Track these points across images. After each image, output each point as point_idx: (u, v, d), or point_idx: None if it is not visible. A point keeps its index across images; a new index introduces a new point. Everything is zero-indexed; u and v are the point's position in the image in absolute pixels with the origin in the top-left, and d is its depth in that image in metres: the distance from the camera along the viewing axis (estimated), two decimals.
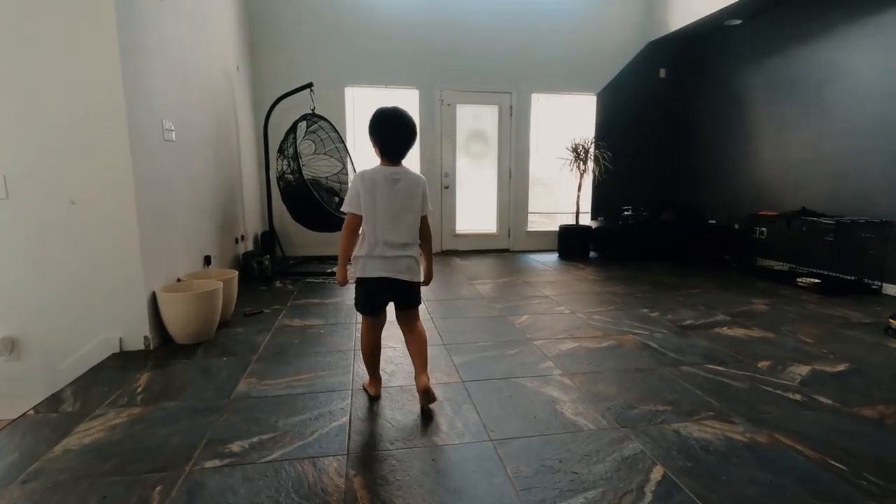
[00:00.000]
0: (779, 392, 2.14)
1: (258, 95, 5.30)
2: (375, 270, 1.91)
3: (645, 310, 3.47)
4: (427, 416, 1.92)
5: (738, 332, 2.98)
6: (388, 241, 1.89)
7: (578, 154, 5.74)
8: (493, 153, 6.06)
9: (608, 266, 5.21)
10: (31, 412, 1.98)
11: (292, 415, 1.93)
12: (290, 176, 4.45)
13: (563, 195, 6.30)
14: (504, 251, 6.20)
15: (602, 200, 6.32)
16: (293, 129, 4.44)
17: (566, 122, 6.17)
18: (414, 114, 5.91)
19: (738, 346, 2.72)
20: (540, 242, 6.31)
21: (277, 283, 4.30)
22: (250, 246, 4.87)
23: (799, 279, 4.21)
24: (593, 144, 5.81)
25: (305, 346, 2.73)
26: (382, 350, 2.20)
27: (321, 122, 4.87)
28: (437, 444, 1.73)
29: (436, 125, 5.83)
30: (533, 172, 6.18)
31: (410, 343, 2.04)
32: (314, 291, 4.01)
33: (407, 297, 1.99)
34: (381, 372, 2.24)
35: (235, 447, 1.70)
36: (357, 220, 1.91)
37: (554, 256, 5.87)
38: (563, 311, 3.43)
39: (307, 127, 4.83)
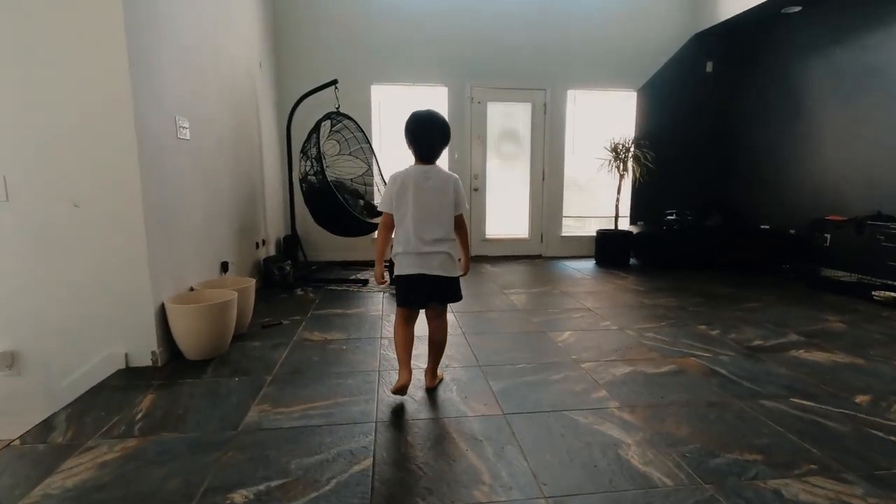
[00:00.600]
0: (892, 438, 1.76)
1: (282, 94, 5.10)
2: (410, 267, 1.99)
3: (703, 327, 3.09)
4: (465, 461, 1.62)
5: (818, 356, 2.58)
6: (421, 237, 1.95)
7: (618, 154, 5.36)
8: (525, 153, 5.73)
9: (651, 275, 4.81)
10: (18, 442, 1.75)
11: (307, 454, 1.66)
12: (312, 178, 4.22)
13: (600, 198, 5.92)
14: (536, 257, 5.85)
15: (642, 204, 5.90)
16: (316, 128, 4.21)
17: (604, 120, 5.79)
18: (443, 112, 5.66)
19: (823, 375, 2.33)
20: (574, 248, 5.94)
21: (299, 291, 4.06)
22: (272, 251, 4.67)
23: (875, 293, 3.75)
24: (633, 143, 5.41)
25: (325, 364, 2.46)
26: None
27: (346, 122, 4.64)
28: (479, 503, 1.42)
29: (465, 124, 5.54)
30: (568, 174, 5.82)
31: (432, 339, 2.16)
32: (337, 300, 3.76)
33: (443, 292, 2.04)
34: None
35: (238, 497, 1.43)
36: (390, 218, 2.01)
37: (590, 263, 5.49)
38: (609, 327, 3.08)
39: (331, 126, 4.60)
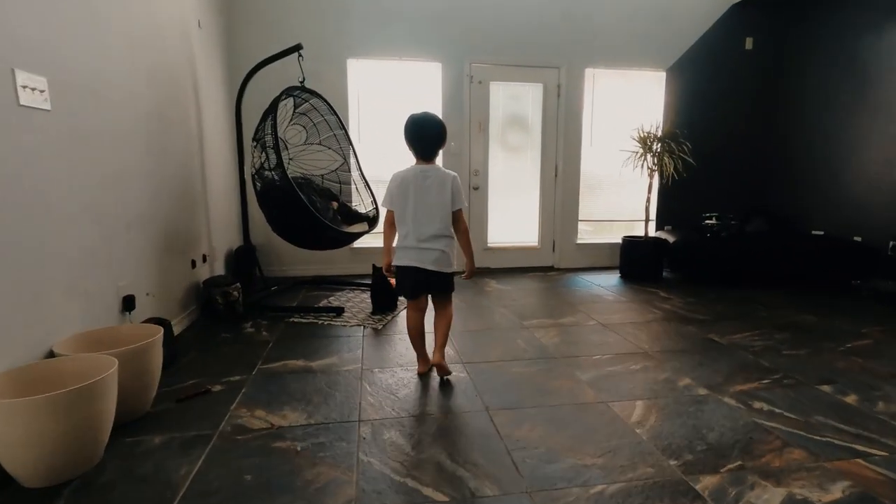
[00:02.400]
0: None
1: (232, 65, 4.01)
2: (406, 260, 2.13)
3: (826, 387, 2.16)
4: None
5: None
6: (417, 233, 2.09)
7: (648, 146, 4.42)
8: (535, 144, 4.75)
9: (696, 293, 3.89)
10: None
11: None
12: (269, 173, 3.17)
13: (623, 199, 4.99)
14: (548, 269, 4.89)
15: (671, 205, 4.98)
16: (273, 108, 3.15)
17: (628, 105, 4.85)
18: (436, 93, 4.65)
19: None
20: (592, 258, 4.99)
21: (248, 326, 3.01)
22: (219, 269, 3.60)
23: None
24: (661, 133, 4.48)
25: (263, 492, 1.44)
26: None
27: (314, 101, 3.59)
28: None
29: (463, 108, 4.53)
30: (585, 170, 4.87)
31: (437, 323, 2.27)
32: (299, 341, 2.73)
33: (436, 285, 2.16)
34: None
35: None
36: (391, 215, 2.17)
37: (613, 277, 4.56)
38: (694, 390, 2.12)
39: (294, 106, 3.55)
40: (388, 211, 2.18)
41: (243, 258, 3.72)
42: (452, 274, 2.16)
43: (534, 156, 4.76)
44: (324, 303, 3.52)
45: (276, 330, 2.94)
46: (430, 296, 2.25)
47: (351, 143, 3.83)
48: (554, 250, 4.93)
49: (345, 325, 3.04)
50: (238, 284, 3.19)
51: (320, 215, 3.11)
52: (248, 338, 2.78)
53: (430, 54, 4.42)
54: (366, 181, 3.81)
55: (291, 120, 3.63)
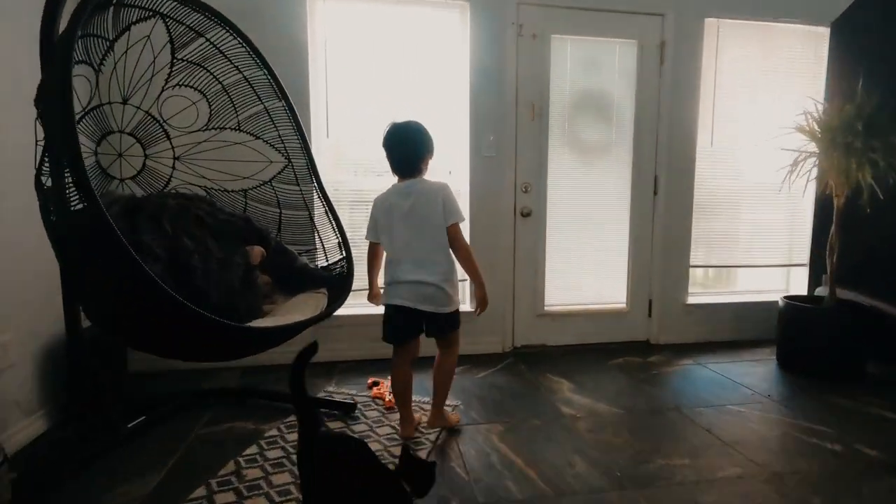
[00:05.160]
0: None
1: None
2: (395, 297, 1.73)
3: None
4: None
5: None
6: (407, 264, 1.72)
7: (832, 141, 2.52)
8: (622, 142, 2.87)
9: None
10: None
11: None
12: (76, 200, 1.26)
13: (762, 231, 3.09)
14: (641, 347, 2.97)
15: (850, 244, 3.04)
16: (72, 29, 1.28)
17: (774, 77, 2.99)
18: (458, 55, 2.84)
19: None
20: (711, 328, 3.07)
21: None
22: (26, 386, 1.69)
23: None
24: (818, 121, 2.59)
25: None
26: None
27: (216, 35, 1.73)
28: None
29: (505, 80, 2.68)
30: (704, 181, 2.98)
31: (435, 371, 1.85)
32: None
33: (433, 329, 1.77)
34: None
35: None
36: (376, 248, 1.80)
37: (763, 365, 2.65)
38: None
39: (172, 45, 1.69)
40: (371, 244, 1.79)
41: (76, 358, 1.81)
42: (454, 312, 1.75)
43: (620, 161, 2.88)
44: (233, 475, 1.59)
45: None
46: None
47: (301, 131, 1.95)
48: (650, 314, 3.00)
49: None
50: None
51: (203, 291, 1.21)
52: None
53: None
54: (328, 203, 1.92)
55: (167, 78, 1.77)
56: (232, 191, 1.93)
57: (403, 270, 1.70)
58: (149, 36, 1.62)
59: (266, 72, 1.83)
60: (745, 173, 3.01)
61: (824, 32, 2.98)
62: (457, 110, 2.69)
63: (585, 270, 2.93)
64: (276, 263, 1.74)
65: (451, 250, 1.72)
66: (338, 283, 1.78)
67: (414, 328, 1.75)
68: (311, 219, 1.93)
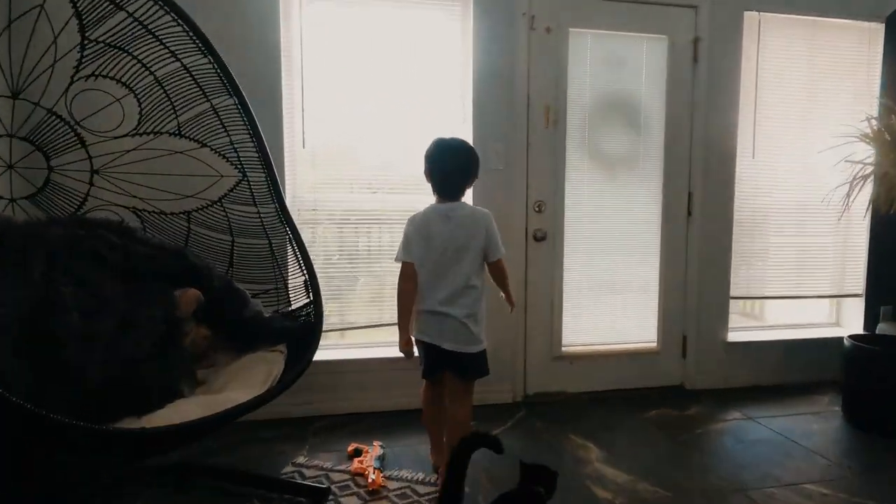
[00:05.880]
0: None
1: None
2: (423, 331, 1.62)
3: None
4: None
5: None
6: (435, 291, 1.59)
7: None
8: (651, 153, 2.45)
9: None
10: None
11: None
12: None
13: (823, 254, 2.68)
14: (676, 392, 2.52)
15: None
16: None
17: (823, 79, 2.59)
18: (463, 52, 2.38)
19: None
20: (756, 370, 2.62)
21: None
22: None
23: None
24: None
25: None
26: None
27: (148, 10, 1.29)
28: None
29: (516, 80, 2.27)
30: (745, 199, 2.56)
31: (448, 423, 1.65)
32: None
33: (453, 365, 1.59)
34: None
35: None
36: (410, 269, 1.62)
37: (824, 419, 2.22)
38: None
39: (81, 21, 1.26)
40: (403, 264, 1.62)
41: None
42: (481, 354, 1.61)
43: (648, 175, 2.46)
44: None
45: None
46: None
47: (258, 136, 1.51)
48: (685, 355, 2.56)
49: None
50: None
51: (77, 361, 0.78)
52: None
53: None
54: (293, 229, 1.48)
55: (77, 66, 1.34)
56: (171, 213, 1.50)
57: (433, 298, 1.59)
58: (42, 6, 1.20)
59: (211, 59, 1.40)
60: (792, 189, 2.60)
61: (878, 28, 2.61)
62: (458, 116, 2.28)
63: (609, 304, 2.48)
64: (219, 310, 1.29)
65: (481, 277, 1.63)
66: (301, 334, 1.34)
67: (440, 364, 1.62)
68: (272, 249, 1.49)
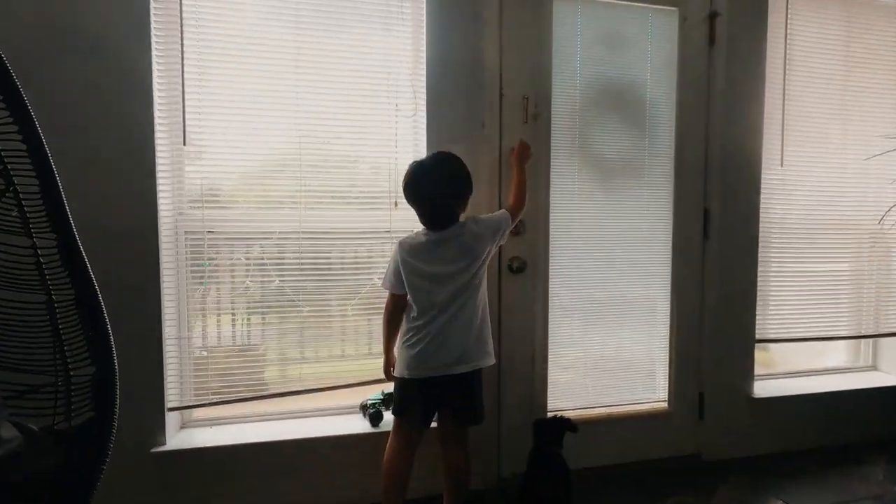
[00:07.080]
0: None
1: None
2: (416, 368, 1.42)
3: None
4: None
5: None
6: (434, 317, 1.42)
7: None
8: (658, 157, 1.91)
9: None
10: None
11: None
12: None
13: (860, 286, 2.17)
14: (693, 464, 1.96)
15: None
16: None
17: (863, 69, 2.10)
18: (415, 20, 1.80)
19: None
20: (790, 431, 2.09)
21: None
22: None
23: None
24: None
25: None
26: None
27: None
28: None
29: (484, 69, 1.71)
30: (772, 217, 2.04)
31: (447, 475, 1.50)
32: None
33: (460, 400, 1.45)
34: None
35: None
36: (397, 300, 1.49)
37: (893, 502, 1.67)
38: None
39: None
40: (390, 295, 1.50)
41: None
42: (479, 379, 1.48)
43: (655, 186, 1.91)
44: None
45: None
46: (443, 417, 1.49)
47: (23, 109, 0.89)
48: (702, 415, 2.00)
49: None
50: None
51: None
52: None
53: None
54: (81, 277, 0.86)
55: None
56: None
57: (432, 324, 1.43)
58: None
59: None
60: (827, 205, 2.09)
61: None
62: (407, 113, 1.71)
63: (607, 353, 1.92)
64: None
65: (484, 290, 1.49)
66: (69, 477, 0.70)
67: (433, 403, 1.47)
68: (51, 311, 0.85)
